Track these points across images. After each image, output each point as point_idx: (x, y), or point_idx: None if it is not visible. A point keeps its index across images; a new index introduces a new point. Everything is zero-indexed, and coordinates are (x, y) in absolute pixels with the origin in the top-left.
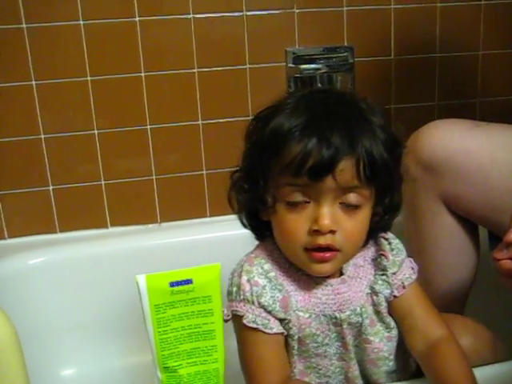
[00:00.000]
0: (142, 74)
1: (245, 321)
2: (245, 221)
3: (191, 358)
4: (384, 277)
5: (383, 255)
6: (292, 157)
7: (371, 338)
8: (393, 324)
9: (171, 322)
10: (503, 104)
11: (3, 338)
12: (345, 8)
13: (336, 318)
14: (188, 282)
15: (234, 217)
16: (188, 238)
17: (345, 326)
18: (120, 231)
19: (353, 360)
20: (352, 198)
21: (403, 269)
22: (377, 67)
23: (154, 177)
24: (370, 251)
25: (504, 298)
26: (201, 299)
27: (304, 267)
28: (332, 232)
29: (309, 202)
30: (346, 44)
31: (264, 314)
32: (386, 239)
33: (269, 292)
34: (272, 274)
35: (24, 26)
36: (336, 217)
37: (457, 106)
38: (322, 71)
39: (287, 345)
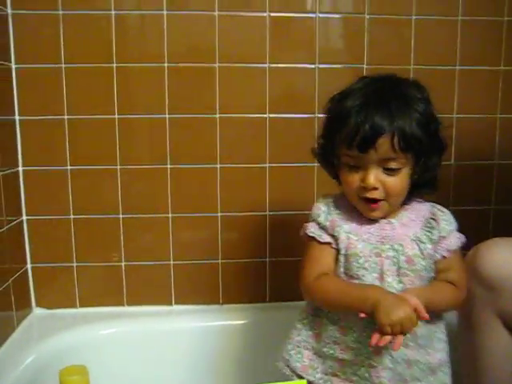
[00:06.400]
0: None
1: (306, 231)
2: (327, 172)
3: None
4: (429, 234)
5: (435, 220)
6: (347, 133)
7: (408, 272)
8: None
9: None
10: None
11: None
12: None
13: (377, 248)
14: None
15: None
16: None
17: (384, 256)
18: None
19: None
20: (391, 164)
21: (451, 237)
22: None
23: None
24: (426, 213)
25: None
26: None
27: (361, 210)
28: (375, 188)
29: (360, 167)
30: None
31: (318, 228)
32: (442, 212)
33: (323, 214)
34: (332, 205)
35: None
36: (379, 177)
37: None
38: None
39: (337, 261)
